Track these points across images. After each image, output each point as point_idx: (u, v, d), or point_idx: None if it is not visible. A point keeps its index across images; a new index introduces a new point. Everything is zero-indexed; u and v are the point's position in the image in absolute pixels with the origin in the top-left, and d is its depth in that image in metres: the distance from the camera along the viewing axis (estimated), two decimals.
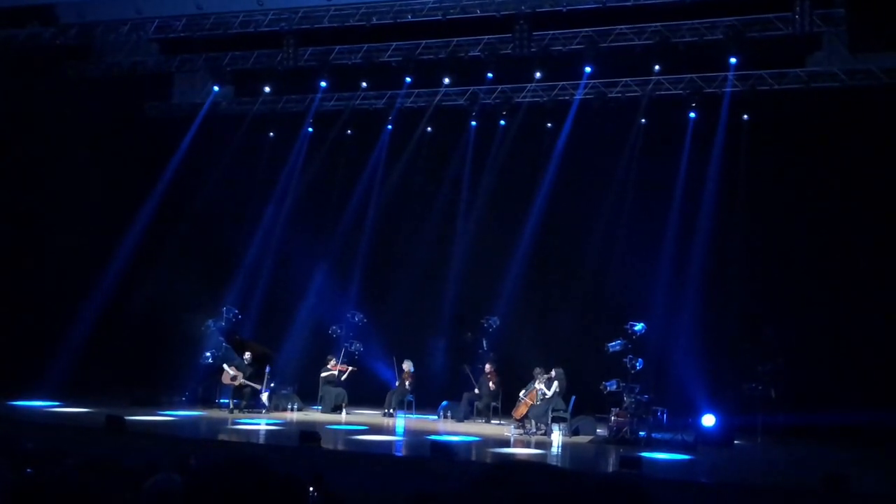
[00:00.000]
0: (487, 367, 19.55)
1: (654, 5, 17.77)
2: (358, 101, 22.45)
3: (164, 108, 23.18)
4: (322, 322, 21.57)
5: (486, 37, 19.55)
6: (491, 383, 19.45)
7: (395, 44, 20.27)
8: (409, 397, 20.19)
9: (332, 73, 21.00)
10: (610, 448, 15.97)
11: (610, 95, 20.43)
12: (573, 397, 17.75)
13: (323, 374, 20.49)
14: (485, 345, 19.98)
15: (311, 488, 6.57)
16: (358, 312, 21.32)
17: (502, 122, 21.87)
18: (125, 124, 22.01)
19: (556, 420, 17.52)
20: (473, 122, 22.12)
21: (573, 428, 17.54)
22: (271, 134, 23.41)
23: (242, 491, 2.93)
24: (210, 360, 20.13)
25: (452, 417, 19.66)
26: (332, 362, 20.46)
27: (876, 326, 17.83)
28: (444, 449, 13.71)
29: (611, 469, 13.52)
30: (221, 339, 20.49)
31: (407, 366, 20.17)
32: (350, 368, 20.49)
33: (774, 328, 17.83)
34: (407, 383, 20.11)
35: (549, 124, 21.40)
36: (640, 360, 16.83)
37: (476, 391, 19.64)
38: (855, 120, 18.42)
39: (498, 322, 20.07)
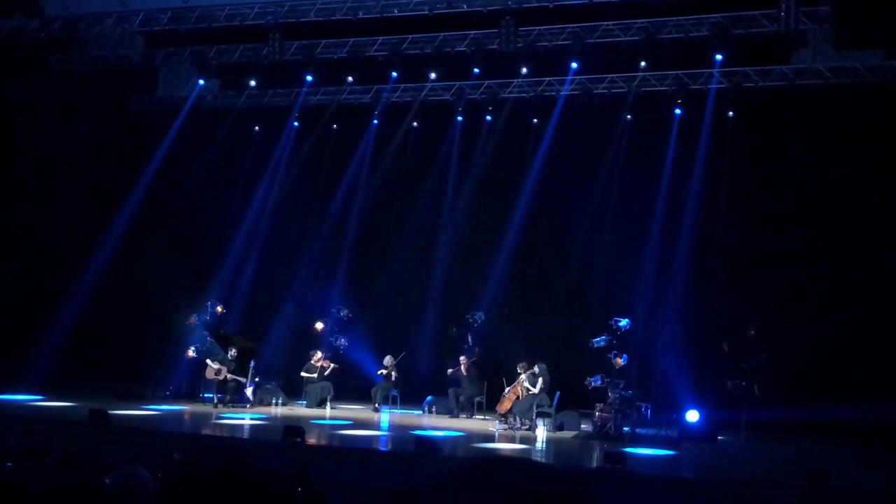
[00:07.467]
0: (463, 359, 19.57)
1: (640, 2, 17.78)
2: (344, 96, 22.42)
3: (148, 102, 23.05)
4: (307, 316, 21.52)
5: (473, 32, 19.58)
6: (463, 369, 19.46)
7: (381, 38, 20.23)
8: (394, 392, 20.17)
9: (318, 68, 20.95)
10: (594, 443, 15.97)
11: (596, 91, 20.46)
12: (557, 393, 17.77)
13: (303, 374, 20.43)
14: (470, 340, 19.98)
15: (295, 483, 6.55)
16: (343, 307, 21.29)
17: (488, 118, 21.88)
18: (110, 118, 21.89)
19: (540, 415, 17.51)
20: (459, 118, 22.11)
21: (557, 423, 17.55)
22: (257, 128, 23.32)
23: (227, 485, 2.92)
24: (194, 355, 20.08)
25: (437, 412, 19.67)
26: (318, 356, 20.40)
27: (859, 323, 17.89)
28: (428, 444, 13.70)
29: (595, 465, 13.53)
30: (206, 333, 20.42)
31: (388, 360, 20.14)
32: (333, 365, 20.42)
33: (758, 324, 17.91)
34: (393, 375, 20.06)
35: (535, 120, 21.42)
36: (624, 355, 16.89)
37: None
38: (839, 118, 18.48)
39: (483, 317, 20.06)
